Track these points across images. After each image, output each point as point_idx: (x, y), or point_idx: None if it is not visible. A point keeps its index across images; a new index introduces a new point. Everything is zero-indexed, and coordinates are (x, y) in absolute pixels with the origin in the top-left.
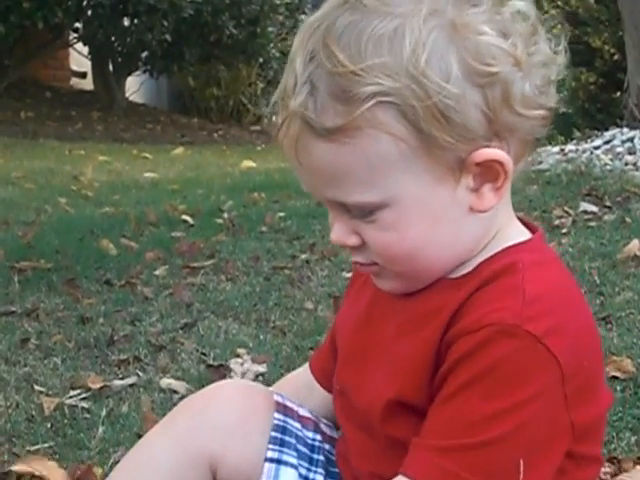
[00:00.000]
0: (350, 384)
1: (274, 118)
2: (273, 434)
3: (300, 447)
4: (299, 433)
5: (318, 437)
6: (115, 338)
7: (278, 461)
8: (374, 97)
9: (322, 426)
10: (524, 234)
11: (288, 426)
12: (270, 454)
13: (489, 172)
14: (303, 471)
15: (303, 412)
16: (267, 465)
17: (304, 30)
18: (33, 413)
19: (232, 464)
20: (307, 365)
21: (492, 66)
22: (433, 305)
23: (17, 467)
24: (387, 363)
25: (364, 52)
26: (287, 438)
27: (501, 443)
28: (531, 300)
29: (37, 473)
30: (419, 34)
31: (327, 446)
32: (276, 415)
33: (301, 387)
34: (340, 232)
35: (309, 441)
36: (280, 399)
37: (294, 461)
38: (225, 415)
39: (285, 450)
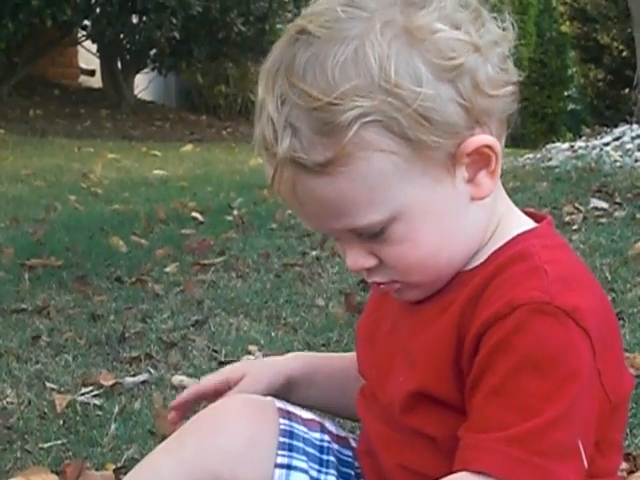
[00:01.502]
0: (375, 383)
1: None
2: (281, 439)
3: (309, 449)
4: (306, 436)
5: (326, 437)
6: (126, 335)
7: (288, 466)
8: (356, 120)
9: (328, 426)
10: (529, 223)
11: (295, 430)
12: (280, 460)
13: (480, 159)
14: (314, 474)
15: (306, 415)
16: (277, 471)
17: (264, 77)
18: (45, 410)
19: None
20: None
21: (455, 59)
22: (448, 298)
23: None
24: (406, 359)
25: (333, 81)
26: (295, 442)
27: (561, 421)
28: (555, 279)
29: None
30: (380, 49)
31: (336, 446)
32: (281, 421)
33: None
34: (357, 258)
35: (317, 442)
36: (282, 405)
37: (304, 465)
38: (233, 438)
39: (294, 455)
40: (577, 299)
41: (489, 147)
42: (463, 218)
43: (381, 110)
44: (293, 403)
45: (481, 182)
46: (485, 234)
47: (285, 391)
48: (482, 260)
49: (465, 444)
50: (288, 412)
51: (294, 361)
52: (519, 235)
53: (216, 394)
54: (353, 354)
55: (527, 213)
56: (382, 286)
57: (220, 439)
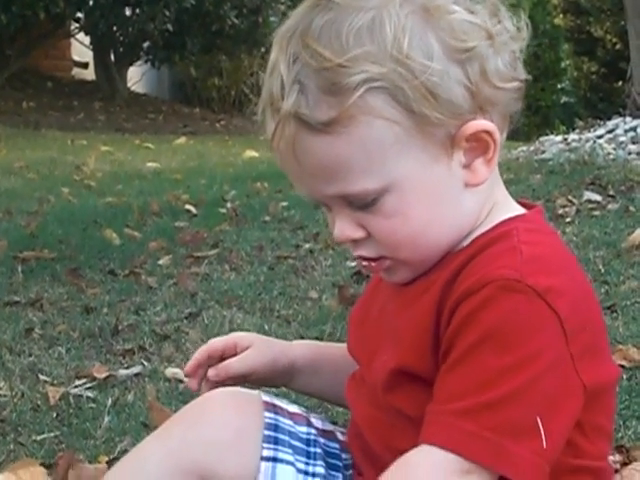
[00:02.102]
0: (363, 364)
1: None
2: (266, 433)
3: (295, 442)
4: (292, 429)
5: (312, 431)
6: (119, 328)
7: (274, 459)
8: (363, 84)
9: (313, 420)
10: (520, 210)
11: (280, 423)
12: (266, 453)
13: (478, 146)
14: (301, 466)
15: (292, 409)
16: (264, 464)
17: (280, 38)
18: (38, 403)
19: (226, 478)
20: None
21: (467, 41)
22: (432, 278)
23: (3, 476)
24: (392, 338)
25: (346, 45)
26: (280, 435)
27: (517, 398)
28: (529, 258)
29: None
30: (397, 20)
31: (322, 440)
32: (266, 414)
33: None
34: (344, 227)
35: (303, 435)
36: (268, 399)
37: (290, 458)
38: (219, 430)
39: (280, 448)
40: (551, 281)
41: (488, 133)
42: (455, 201)
43: (389, 78)
44: (294, 389)
45: (477, 169)
46: (477, 220)
47: (287, 375)
48: (468, 242)
49: (426, 417)
50: (274, 405)
51: (299, 347)
52: (506, 219)
53: (222, 358)
54: (337, 349)
55: (520, 203)
56: (372, 264)
57: (206, 430)
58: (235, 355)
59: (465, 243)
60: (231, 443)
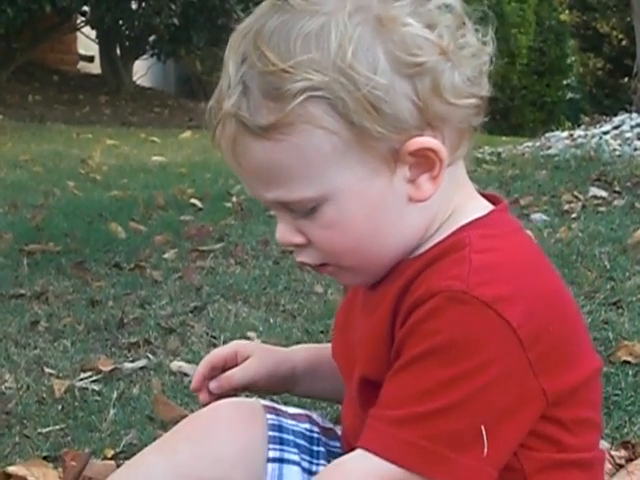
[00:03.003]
0: (344, 374)
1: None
2: (271, 434)
3: (299, 441)
4: (295, 428)
5: (315, 429)
6: (125, 321)
7: (280, 460)
8: (304, 92)
9: (315, 417)
10: (484, 210)
11: (283, 424)
12: (272, 454)
13: (424, 162)
14: (306, 464)
15: (293, 410)
16: (270, 466)
17: (236, 36)
18: (44, 395)
19: None
20: None
21: (418, 56)
22: (387, 287)
23: (14, 468)
24: (359, 348)
25: (293, 50)
26: (285, 435)
27: (458, 409)
28: (478, 268)
29: (32, 478)
30: (344, 29)
31: (324, 438)
32: (269, 416)
33: None
34: (285, 232)
35: (307, 433)
36: (268, 403)
37: (296, 457)
38: (227, 446)
39: (285, 448)
40: (501, 289)
41: (433, 151)
42: (398, 216)
43: (331, 88)
44: (297, 395)
45: (422, 185)
46: (426, 232)
47: (289, 382)
48: (423, 250)
49: (367, 421)
50: (274, 408)
51: (300, 353)
52: (461, 227)
53: (224, 369)
54: None
55: (487, 197)
56: (313, 269)
57: (214, 447)
58: (236, 365)
59: (420, 251)
60: (238, 458)
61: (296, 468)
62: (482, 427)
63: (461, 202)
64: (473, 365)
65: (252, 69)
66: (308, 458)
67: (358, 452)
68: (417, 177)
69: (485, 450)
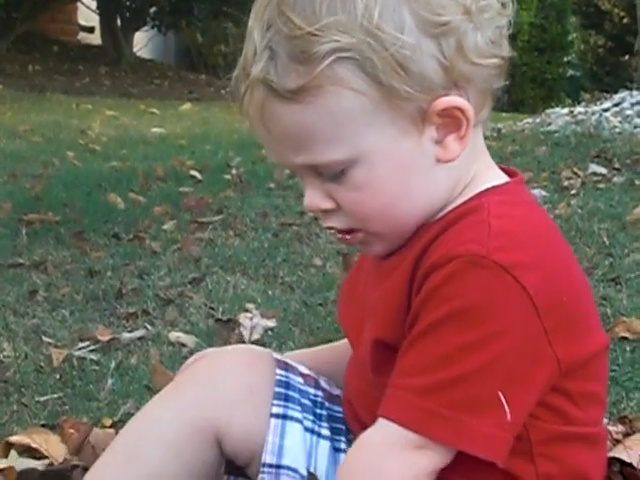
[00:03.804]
0: (352, 340)
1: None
2: (277, 389)
3: (304, 401)
4: (302, 387)
5: (320, 393)
6: (123, 291)
7: (284, 416)
8: (332, 54)
9: (322, 383)
10: (500, 179)
11: (291, 381)
12: (275, 410)
13: (451, 122)
14: (309, 424)
15: (303, 369)
16: (273, 421)
17: (258, 4)
18: (42, 364)
19: (238, 433)
20: None
21: (443, 15)
22: (405, 250)
23: (16, 438)
24: (370, 313)
25: (319, 13)
26: (290, 393)
27: (477, 375)
28: (497, 233)
29: (35, 446)
30: None
31: (327, 403)
32: (278, 371)
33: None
34: (313, 197)
35: (311, 396)
36: (280, 357)
37: (299, 415)
38: (230, 386)
39: (290, 405)
40: (519, 255)
41: (461, 110)
42: (426, 177)
43: (358, 49)
44: None
45: (449, 145)
46: (451, 194)
47: None
48: (443, 214)
49: (386, 391)
50: (285, 363)
51: (293, 359)
52: (481, 192)
53: None
54: (341, 342)
55: (503, 169)
56: (346, 237)
57: (218, 386)
58: None
59: (439, 215)
60: (242, 399)
61: (298, 426)
62: (500, 393)
63: (480, 169)
64: (491, 330)
65: (278, 34)
66: (311, 417)
67: (380, 421)
68: (444, 138)
69: (508, 416)
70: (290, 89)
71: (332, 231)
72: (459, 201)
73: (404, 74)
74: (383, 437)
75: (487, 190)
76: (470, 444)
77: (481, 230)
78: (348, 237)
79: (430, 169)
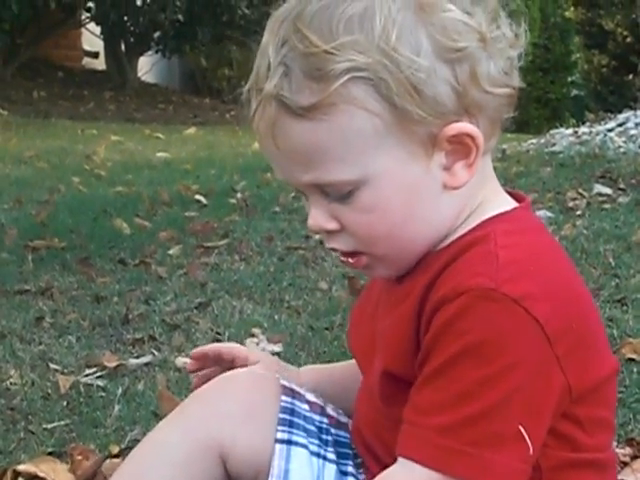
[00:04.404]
0: (363, 367)
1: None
2: (281, 416)
3: (309, 427)
4: (307, 414)
5: (325, 420)
6: (130, 317)
7: (289, 442)
8: (347, 73)
9: (329, 410)
10: (508, 205)
11: (296, 408)
12: (280, 435)
13: (461, 149)
14: (314, 448)
15: (310, 397)
16: (278, 446)
17: (273, 21)
18: (49, 391)
19: (242, 453)
20: None
21: (459, 42)
22: (413, 281)
23: (23, 467)
24: (381, 342)
25: (335, 32)
26: (295, 419)
27: (497, 409)
28: (505, 264)
29: (42, 475)
30: (388, 12)
31: (333, 430)
32: (283, 398)
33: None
34: (318, 217)
35: (317, 423)
36: (287, 384)
37: (304, 441)
38: (234, 405)
39: (294, 431)
40: (528, 286)
41: (471, 137)
42: (432, 202)
43: (374, 69)
44: None
45: (457, 172)
46: (456, 221)
47: None
48: (450, 241)
49: (403, 429)
50: (292, 390)
51: (307, 374)
52: (487, 220)
53: (231, 363)
54: (352, 362)
55: (511, 194)
56: (350, 260)
57: (222, 405)
58: (245, 367)
59: (445, 243)
60: (246, 420)
61: (304, 450)
62: (520, 427)
63: (488, 195)
64: (506, 363)
65: (293, 51)
66: (317, 442)
67: (402, 461)
68: (453, 164)
69: (531, 450)
70: (303, 106)
71: (336, 253)
72: (466, 228)
73: (418, 97)
74: (406, 477)
75: (494, 217)
76: (494, 479)
77: (489, 262)
78: (352, 260)
79: (437, 195)
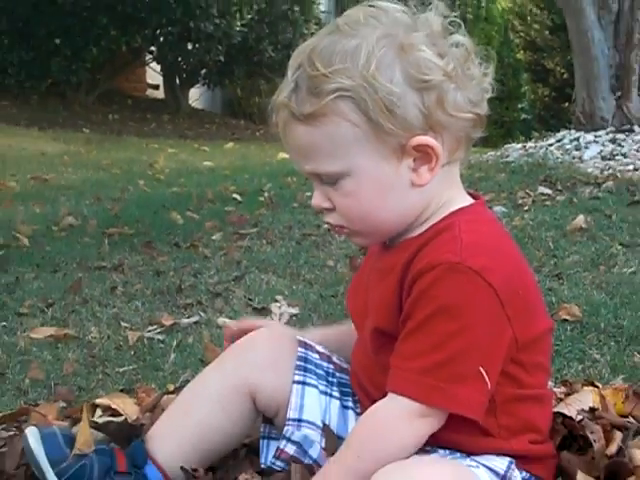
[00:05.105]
0: (357, 324)
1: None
2: (297, 363)
3: (319, 371)
4: (317, 362)
5: (331, 366)
6: (182, 287)
7: (303, 383)
8: (336, 92)
9: (334, 358)
10: (468, 202)
11: (309, 357)
12: (296, 378)
13: (425, 156)
14: (323, 388)
15: (319, 348)
16: (295, 387)
17: (298, 51)
18: (120, 343)
19: (267, 392)
20: None
21: (426, 75)
22: (396, 258)
23: (100, 400)
24: (371, 305)
25: (333, 61)
26: (308, 366)
27: (463, 355)
28: (467, 244)
29: (114, 406)
30: (372, 49)
31: (338, 374)
32: (299, 349)
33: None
34: (318, 197)
35: (325, 368)
36: (301, 338)
37: (315, 382)
38: (261, 356)
39: (308, 375)
40: (485, 261)
41: (431, 148)
42: (401, 195)
43: (357, 90)
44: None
45: (422, 174)
46: (424, 213)
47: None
48: (422, 230)
49: (391, 371)
50: (305, 343)
51: (312, 333)
52: (451, 212)
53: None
54: (346, 325)
55: (470, 194)
56: (334, 229)
57: (251, 354)
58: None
59: (420, 231)
60: (269, 365)
61: (315, 390)
62: (480, 368)
63: (453, 195)
64: (469, 321)
65: (304, 73)
66: (325, 383)
67: (390, 396)
68: (419, 167)
69: (489, 385)
70: (304, 114)
71: (330, 226)
72: (436, 219)
73: (389, 114)
74: (394, 408)
75: (457, 211)
76: (462, 408)
77: (455, 243)
78: (337, 230)
79: (405, 190)
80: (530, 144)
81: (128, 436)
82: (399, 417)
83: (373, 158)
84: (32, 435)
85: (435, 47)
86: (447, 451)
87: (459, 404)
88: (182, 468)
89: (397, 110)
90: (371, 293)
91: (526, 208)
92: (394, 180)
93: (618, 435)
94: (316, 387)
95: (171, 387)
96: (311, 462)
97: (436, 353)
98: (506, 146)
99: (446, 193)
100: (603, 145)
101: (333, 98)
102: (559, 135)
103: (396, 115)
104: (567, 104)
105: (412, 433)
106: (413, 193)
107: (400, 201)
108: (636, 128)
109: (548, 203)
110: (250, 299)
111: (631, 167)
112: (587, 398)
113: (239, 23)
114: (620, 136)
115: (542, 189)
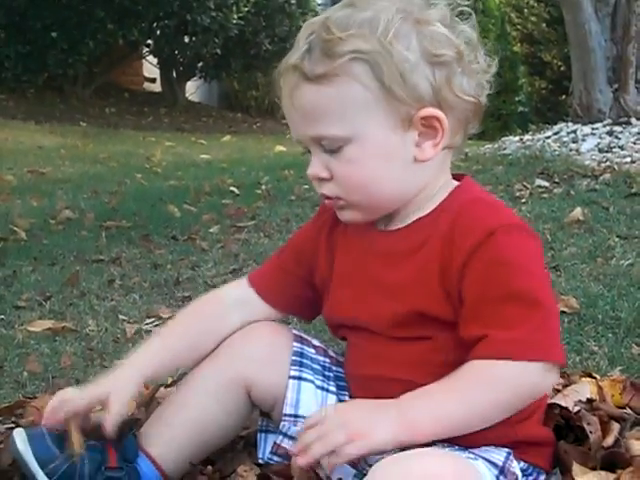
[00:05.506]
0: (352, 308)
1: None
2: (293, 358)
3: (315, 366)
4: (313, 356)
5: (327, 360)
6: (180, 280)
7: (299, 378)
8: (351, 53)
9: (330, 352)
10: (457, 182)
11: (304, 351)
12: (292, 373)
13: (431, 132)
14: (319, 383)
15: (315, 342)
16: (291, 382)
17: (309, 22)
18: (118, 336)
19: (262, 387)
20: (225, 288)
21: (439, 49)
22: (419, 238)
23: None
24: (382, 289)
25: (350, 27)
26: (304, 360)
27: (551, 309)
28: (501, 207)
29: None
30: (391, 19)
31: (335, 368)
32: (295, 344)
33: (230, 304)
34: (315, 166)
35: (321, 363)
36: (297, 332)
37: (311, 377)
38: (257, 350)
39: (304, 370)
40: (518, 219)
41: (439, 121)
42: (404, 168)
43: (373, 55)
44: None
45: (425, 149)
46: (420, 193)
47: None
48: (434, 207)
49: (499, 343)
50: (301, 337)
51: (142, 366)
52: (456, 188)
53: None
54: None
55: (453, 176)
56: (328, 200)
57: (246, 349)
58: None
59: (430, 209)
60: (265, 359)
61: (311, 385)
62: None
63: (447, 179)
64: (540, 271)
65: (318, 37)
66: (321, 378)
67: (513, 364)
68: (423, 142)
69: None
70: (315, 74)
71: (321, 197)
72: (440, 199)
73: (402, 82)
74: (522, 373)
75: (457, 188)
76: (563, 359)
77: (492, 208)
78: (331, 201)
79: (408, 164)
80: (527, 137)
81: (122, 431)
82: (534, 377)
83: (381, 125)
84: (19, 437)
85: (448, 26)
86: (444, 445)
87: (559, 355)
88: (191, 463)
89: (410, 78)
90: (381, 279)
91: (523, 200)
92: (399, 151)
93: (615, 426)
94: (312, 382)
95: (168, 380)
96: None
97: (536, 313)
98: (503, 139)
99: (443, 177)
100: (600, 137)
101: (348, 60)
102: (556, 128)
103: (408, 84)
104: (564, 97)
105: (547, 387)
106: (414, 168)
107: (402, 174)
108: (633, 120)
109: (545, 195)
110: None
111: (628, 159)
112: (585, 389)
113: (236, 16)
114: (617, 128)
115: (539, 181)
